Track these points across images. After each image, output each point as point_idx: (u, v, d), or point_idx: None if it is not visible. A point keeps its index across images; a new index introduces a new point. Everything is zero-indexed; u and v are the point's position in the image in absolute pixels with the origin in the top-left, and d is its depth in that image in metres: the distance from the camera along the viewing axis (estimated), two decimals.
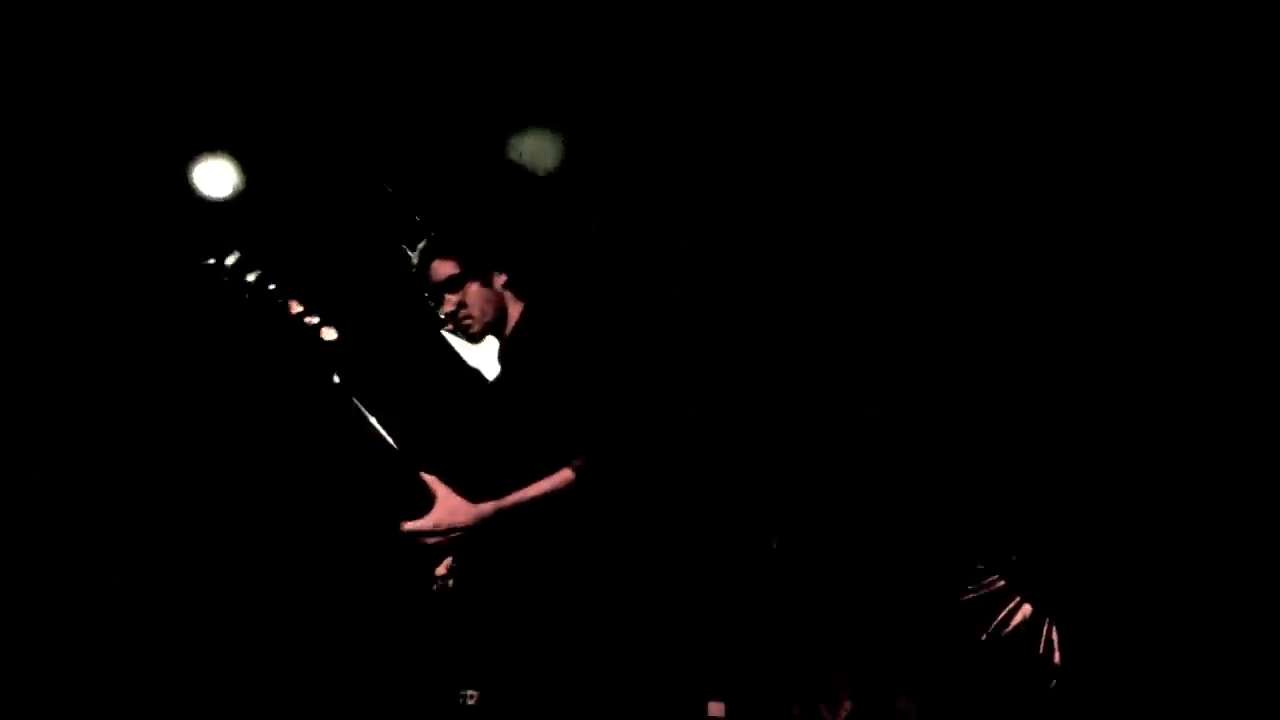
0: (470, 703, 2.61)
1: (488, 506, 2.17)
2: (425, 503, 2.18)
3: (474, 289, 2.48)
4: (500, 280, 2.55)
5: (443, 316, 2.54)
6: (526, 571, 2.30)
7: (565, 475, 2.22)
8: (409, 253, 2.90)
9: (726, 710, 3.81)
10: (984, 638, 3.79)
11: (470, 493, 2.23)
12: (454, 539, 2.16)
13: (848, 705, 3.83)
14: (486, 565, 2.31)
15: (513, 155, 3.75)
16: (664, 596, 3.77)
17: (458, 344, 2.72)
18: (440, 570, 2.42)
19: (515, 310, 2.55)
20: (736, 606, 4.01)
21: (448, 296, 2.47)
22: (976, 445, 3.90)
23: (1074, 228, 3.60)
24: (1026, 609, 3.79)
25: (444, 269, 2.50)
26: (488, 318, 2.48)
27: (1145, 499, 3.60)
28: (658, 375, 3.54)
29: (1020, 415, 3.85)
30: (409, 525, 2.15)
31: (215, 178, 3.52)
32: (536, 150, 3.74)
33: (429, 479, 2.21)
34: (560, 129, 3.70)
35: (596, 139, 3.67)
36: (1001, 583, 3.86)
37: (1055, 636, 3.71)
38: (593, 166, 3.73)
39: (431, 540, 2.14)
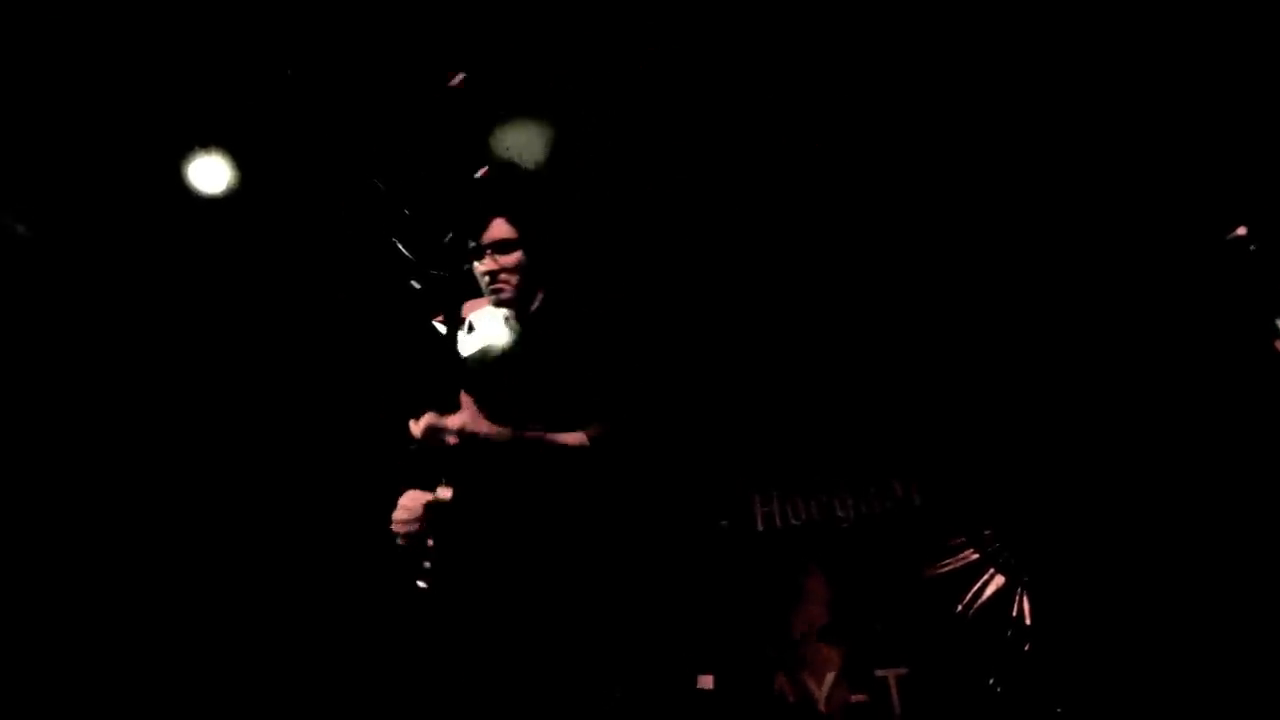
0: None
1: (505, 430, 2.22)
2: (453, 408, 2.23)
3: (520, 258, 2.48)
4: (540, 258, 2.50)
5: (479, 273, 2.50)
6: (521, 538, 2.33)
7: (579, 436, 2.28)
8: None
9: (715, 682, 3.94)
10: (959, 608, 3.95)
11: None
12: (466, 443, 2.18)
13: (830, 676, 3.97)
14: (484, 514, 2.29)
15: (500, 151, 3.85)
16: (654, 573, 3.89)
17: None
18: (443, 493, 2.38)
19: (539, 292, 2.53)
20: (724, 583, 4.13)
21: (495, 256, 2.48)
22: (952, 422, 4.04)
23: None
24: (1000, 580, 3.96)
25: (501, 229, 2.48)
26: (519, 290, 2.49)
27: (1114, 474, 3.76)
28: (666, 369, 3.63)
29: (994, 392, 4.00)
30: (437, 420, 2.18)
31: (209, 174, 3.58)
32: (524, 145, 3.84)
33: (464, 394, 2.25)
34: (546, 122, 3.80)
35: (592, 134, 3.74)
36: (975, 555, 4.03)
37: (1027, 606, 3.88)
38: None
39: (450, 439, 2.17)
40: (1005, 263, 3.80)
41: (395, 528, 2.26)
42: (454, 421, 2.17)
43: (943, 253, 3.87)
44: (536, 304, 2.56)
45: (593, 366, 2.43)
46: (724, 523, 4.15)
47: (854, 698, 3.91)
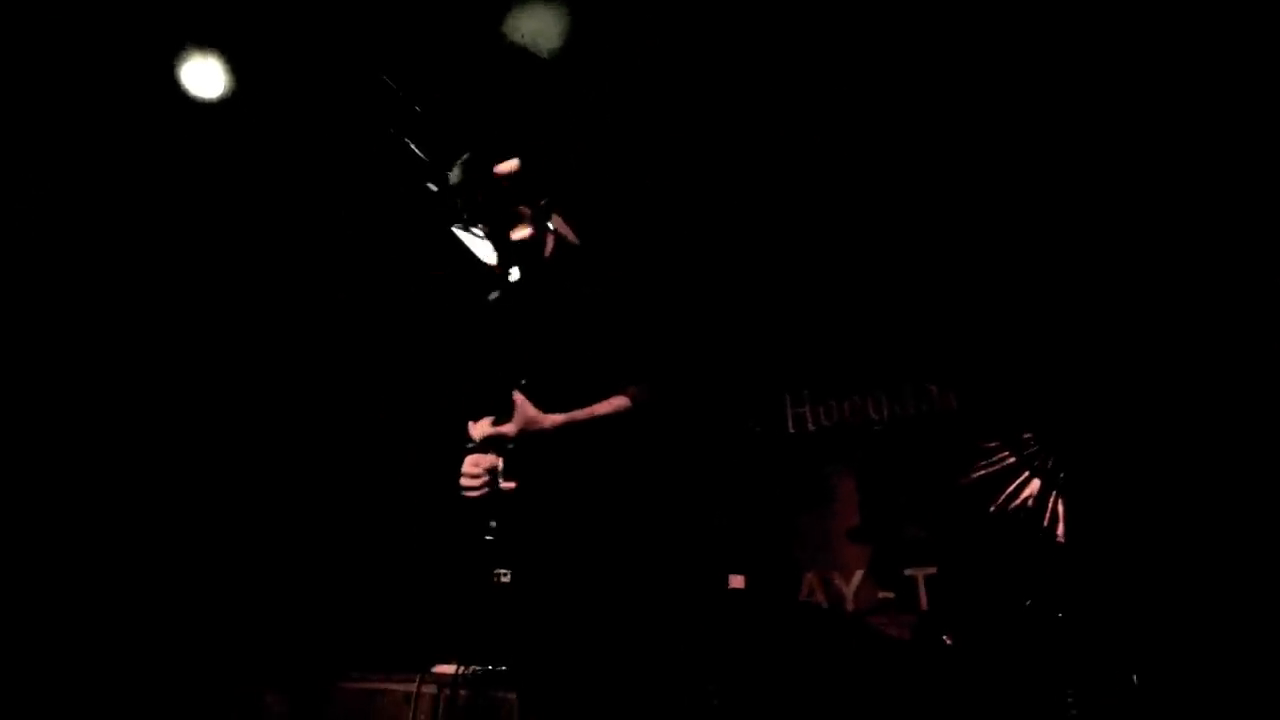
0: (504, 580, 2.78)
1: (558, 417, 2.30)
2: (508, 411, 2.31)
3: (522, 208, 2.45)
4: (543, 202, 2.48)
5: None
6: (579, 462, 2.40)
7: (622, 401, 2.32)
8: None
9: (746, 582, 3.99)
10: (992, 511, 3.93)
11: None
12: (528, 441, 2.29)
13: (859, 575, 4.02)
14: (545, 465, 2.36)
15: (515, 37, 3.55)
16: (687, 484, 3.89)
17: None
18: (487, 470, 2.49)
19: (550, 235, 2.51)
20: (755, 484, 4.13)
21: None
22: (990, 325, 3.89)
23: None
24: (1035, 484, 3.91)
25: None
26: (531, 235, 2.46)
27: (1154, 377, 3.64)
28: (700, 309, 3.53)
29: (1034, 295, 3.83)
30: (495, 429, 2.29)
31: (205, 77, 3.33)
32: (539, 31, 3.54)
33: (517, 395, 2.31)
34: (561, 9, 3.48)
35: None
36: (1011, 459, 3.97)
37: (1061, 510, 3.85)
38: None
39: (510, 443, 2.29)
40: (1039, 167, 3.56)
41: (465, 488, 2.36)
42: (510, 429, 2.25)
43: (980, 158, 3.62)
44: (548, 250, 2.51)
45: (617, 302, 2.40)
46: (757, 429, 4.10)
47: (881, 594, 3.97)
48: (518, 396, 2.25)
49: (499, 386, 2.29)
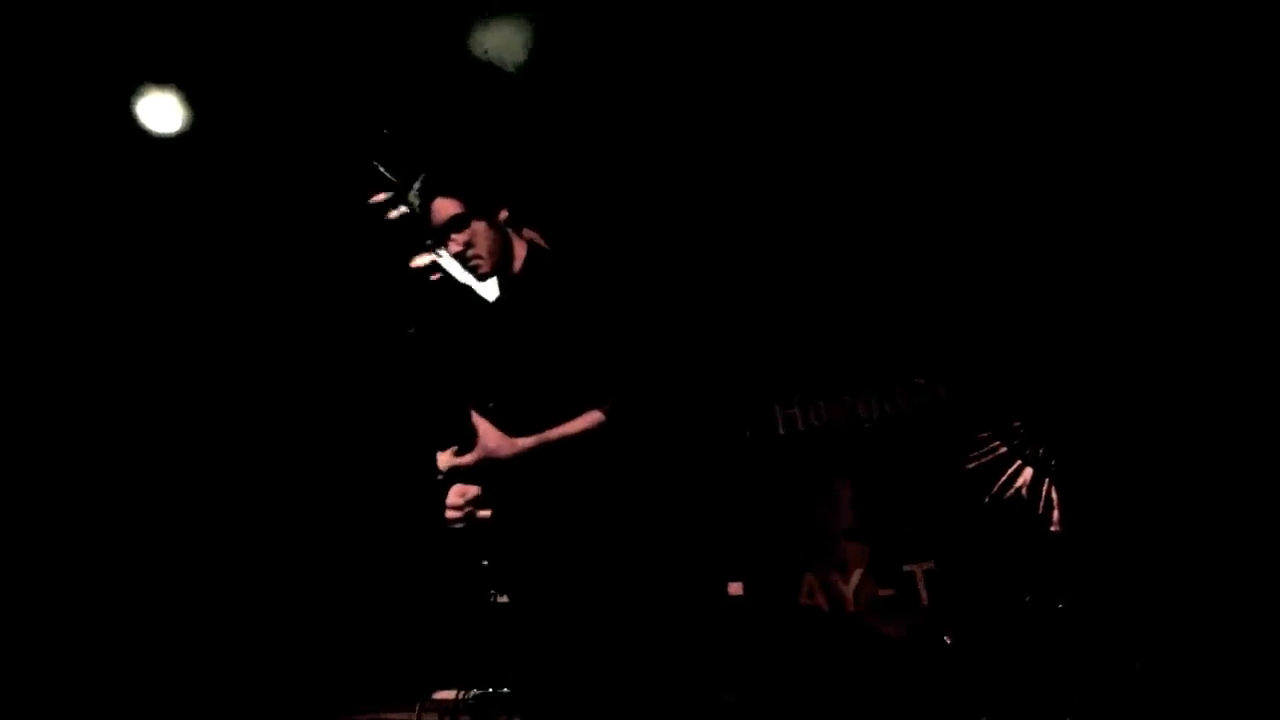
0: (500, 601, 2.75)
1: (527, 441, 2.20)
2: (469, 438, 2.22)
3: (480, 227, 2.35)
4: (504, 216, 2.39)
5: (448, 257, 2.44)
6: (555, 483, 2.34)
7: (595, 416, 2.23)
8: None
9: (744, 589, 3.96)
10: (987, 502, 3.91)
11: (507, 430, 2.24)
12: (494, 470, 2.21)
13: (858, 573, 3.99)
14: (519, 489, 2.29)
15: (478, 52, 3.50)
16: (680, 489, 3.86)
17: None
18: (469, 501, 2.44)
19: (520, 247, 2.42)
20: (748, 490, 4.10)
21: (454, 236, 2.36)
22: (977, 313, 3.87)
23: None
24: (1028, 472, 3.89)
25: (447, 208, 2.35)
26: (495, 256, 2.38)
27: (1144, 360, 3.62)
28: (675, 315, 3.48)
29: (1018, 281, 3.81)
30: (456, 459, 2.21)
31: (161, 112, 3.26)
32: (503, 46, 3.49)
33: (474, 416, 2.22)
34: (525, 22, 3.43)
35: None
36: (1003, 449, 3.95)
37: (1055, 498, 3.83)
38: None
39: (474, 471, 2.21)
40: (1024, 155, 3.53)
41: (449, 521, 2.30)
42: (471, 458, 2.18)
43: (956, 149, 3.59)
44: (519, 264, 2.42)
45: (594, 312, 2.32)
46: (747, 433, 4.07)
47: (881, 592, 3.94)
48: (479, 423, 2.18)
49: (462, 410, 2.21)
